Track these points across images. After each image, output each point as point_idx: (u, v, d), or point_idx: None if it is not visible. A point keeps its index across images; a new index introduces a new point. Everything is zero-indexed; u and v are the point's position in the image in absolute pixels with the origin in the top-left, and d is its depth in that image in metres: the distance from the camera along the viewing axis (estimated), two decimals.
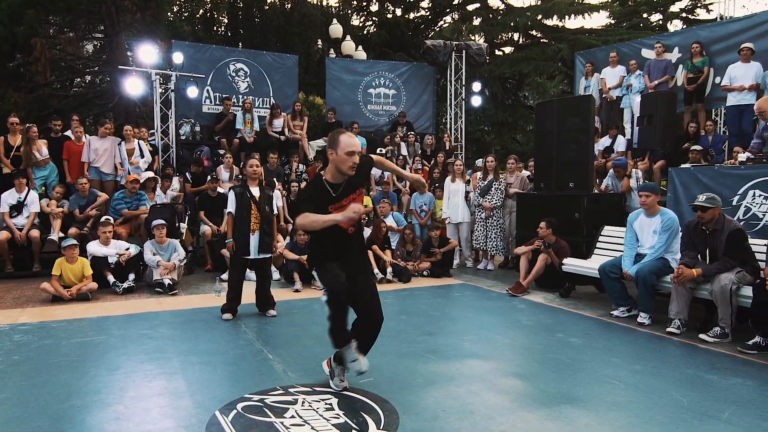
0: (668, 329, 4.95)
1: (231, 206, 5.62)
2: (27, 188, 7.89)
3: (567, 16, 18.69)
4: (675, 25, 18.72)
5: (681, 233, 5.33)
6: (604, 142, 10.13)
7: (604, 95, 11.00)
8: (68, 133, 9.14)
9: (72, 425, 3.11)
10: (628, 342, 4.80)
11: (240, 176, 9.27)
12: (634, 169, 8.30)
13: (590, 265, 6.26)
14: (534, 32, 20.11)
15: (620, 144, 9.95)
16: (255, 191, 5.65)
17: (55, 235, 7.65)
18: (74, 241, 6.71)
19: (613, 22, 20.03)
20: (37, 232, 7.72)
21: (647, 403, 3.40)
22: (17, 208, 7.77)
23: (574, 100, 8.22)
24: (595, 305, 6.18)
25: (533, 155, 9.58)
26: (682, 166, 7.22)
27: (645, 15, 19.22)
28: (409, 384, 3.74)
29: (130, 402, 3.42)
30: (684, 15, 18.74)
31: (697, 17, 18.52)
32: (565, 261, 6.51)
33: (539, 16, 18.70)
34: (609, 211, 7.39)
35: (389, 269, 7.79)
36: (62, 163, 8.79)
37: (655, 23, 19.21)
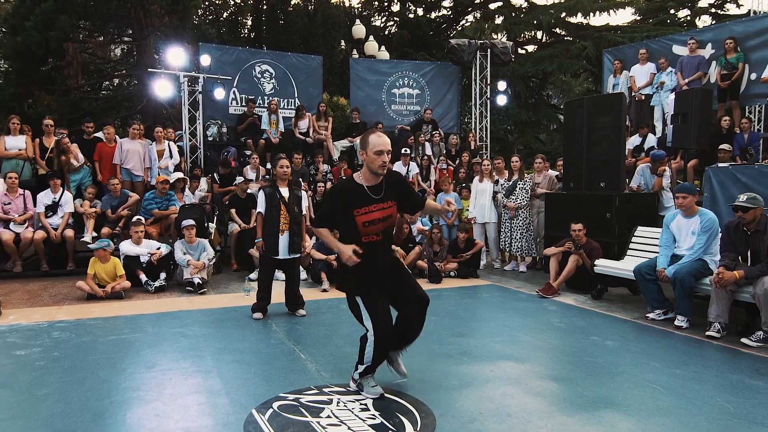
0: (708, 333, 4.83)
1: (261, 206, 5.64)
2: (61, 189, 8.05)
3: (591, 13, 18.43)
4: (704, 21, 18.32)
5: (720, 234, 5.20)
6: (633, 141, 9.96)
7: (633, 93, 10.82)
8: (99, 134, 9.31)
9: (114, 421, 3.15)
10: (666, 346, 4.69)
11: (267, 176, 9.34)
12: (666, 168, 8.14)
13: (623, 267, 6.15)
14: (558, 30, 19.87)
15: (650, 143, 9.77)
16: (284, 191, 5.67)
17: (88, 234, 7.80)
18: (108, 242, 6.82)
19: (639, 18, 19.71)
20: (71, 231, 7.87)
21: (691, 409, 3.32)
22: (52, 209, 7.93)
23: (604, 98, 8.09)
24: (629, 307, 6.07)
25: (561, 154, 9.47)
26: (719, 165, 7.05)
27: (672, 11, 18.87)
28: (444, 385, 3.71)
29: (168, 399, 3.45)
30: (713, 10, 18.34)
31: (727, 12, 18.11)
32: (597, 262, 6.41)
33: (563, 14, 18.48)
34: (642, 212, 7.25)
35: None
36: (94, 164, 8.95)
37: (682, 19, 18.85)
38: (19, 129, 8.63)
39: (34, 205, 7.91)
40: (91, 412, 3.26)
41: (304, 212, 5.94)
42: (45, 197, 7.94)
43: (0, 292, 6.28)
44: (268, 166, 10.08)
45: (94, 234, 7.80)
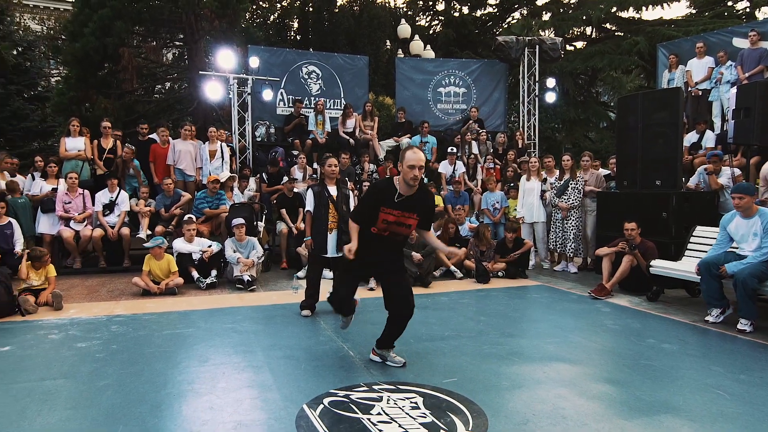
0: None
1: (309, 205, 5.69)
2: (118, 188, 8.36)
3: (644, 7, 17.82)
4: (764, 13, 17.45)
5: None
6: (690, 137, 9.58)
7: (689, 88, 10.40)
8: (153, 135, 9.62)
9: (170, 413, 3.23)
10: (729, 350, 4.48)
11: (314, 176, 9.44)
12: (723, 167, 7.79)
13: (681, 268, 5.92)
14: (608, 25, 19.32)
15: (709, 139, 9.38)
16: (332, 190, 5.70)
17: (143, 232, 8.06)
18: (162, 240, 7.03)
19: (694, 11, 18.93)
20: (127, 229, 8.17)
21: (759, 416, 3.15)
22: (109, 207, 8.24)
23: (660, 93, 7.81)
24: (687, 310, 5.83)
25: (611, 153, 9.20)
26: None
27: (730, 3, 18.04)
28: (495, 386, 3.65)
29: (221, 393, 3.52)
30: None
31: None
32: (652, 263, 6.18)
33: (614, 9, 17.92)
34: (700, 211, 6.95)
35: (453, 269, 7.88)
36: (148, 165, 9.26)
37: (741, 11, 17.99)
38: (79, 131, 9.02)
39: (93, 204, 8.23)
40: (148, 403, 3.35)
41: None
42: (103, 196, 8.26)
43: (61, 287, 6.56)
44: (315, 165, 10.19)
45: (149, 232, 8.06)
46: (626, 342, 4.74)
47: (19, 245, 7.02)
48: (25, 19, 21.61)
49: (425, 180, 10.25)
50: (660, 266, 6.12)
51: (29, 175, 8.80)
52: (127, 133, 11.93)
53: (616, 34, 18.95)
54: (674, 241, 6.67)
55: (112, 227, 8.11)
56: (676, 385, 3.67)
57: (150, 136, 9.67)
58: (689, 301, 6.28)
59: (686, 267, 5.85)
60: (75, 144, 8.87)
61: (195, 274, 7.14)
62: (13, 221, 7.29)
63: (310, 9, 19.21)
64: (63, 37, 16.88)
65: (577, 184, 8.26)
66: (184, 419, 3.15)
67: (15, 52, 16.89)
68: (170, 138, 9.60)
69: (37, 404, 3.35)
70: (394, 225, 3.82)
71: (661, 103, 7.24)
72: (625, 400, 3.42)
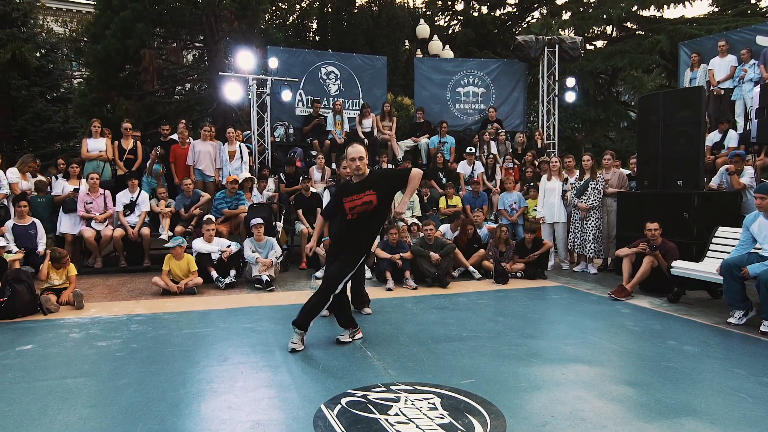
0: None
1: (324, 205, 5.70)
2: (138, 189, 8.47)
3: (665, 6, 17.57)
4: None
5: None
6: (712, 137, 9.43)
7: (712, 87, 10.23)
8: (174, 136, 9.73)
9: (189, 412, 3.26)
10: (752, 352, 4.39)
11: (331, 178, 9.48)
12: (746, 167, 7.64)
13: (703, 269, 5.82)
14: (629, 24, 19.09)
15: (731, 139, 9.22)
16: None
17: (164, 232, 8.16)
18: (182, 240, 7.11)
19: (716, 9, 18.61)
20: (147, 229, 8.27)
21: None
22: (130, 207, 8.36)
23: (682, 92, 7.70)
24: (709, 312, 5.73)
25: (632, 152, 9.08)
26: None
27: (753, 0, 17.70)
28: (513, 387, 3.62)
29: (240, 392, 3.54)
30: None
31: None
32: (674, 264, 6.08)
33: (635, 7, 17.71)
34: (723, 211, 6.83)
35: (471, 269, 7.84)
36: (169, 165, 9.37)
37: (764, 9, 17.63)
38: (100, 132, 9.16)
39: (114, 204, 8.36)
40: (167, 402, 3.39)
41: None
42: (123, 197, 8.38)
43: (82, 286, 6.66)
44: (333, 166, 10.22)
45: (169, 232, 8.15)
46: (647, 344, 4.67)
47: (42, 245, 7.15)
48: (48, 22, 22.00)
49: (444, 180, 10.28)
50: (681, 267, 6.02)
51: (52, 176, 8.96)
52: (148, 134, 12.10)
53: (637, 32, 18.72)
54: (696, 242, 6.56)
55: (133, 227, 8.22)
56: (697, 387, 3.61)
57: (172, 137, 9.79)
58: (711, 302, 6.17)
59: (708, 268, 5.75)
60: (96, 145, 9.02)
61: (214, 273, 7.21)
62: (37, 221, 7.43)
63: (329, 9, 19.29)
64: (85, 39, 17.14)
65: (597, 184, 8.17)
66: (203, 418, 3.18)
67: (38, 55, 17.20)
68: (190, 138, 9.69)
69: (58, 402, 3.40)
70: (357, 207, 4.40)
71: (683, 102, 7.13)
72: (646, 403, 3.37)
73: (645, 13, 18.06)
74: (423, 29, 16.60)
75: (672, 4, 17.48)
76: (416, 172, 4.48)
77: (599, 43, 20.17)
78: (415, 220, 8.69)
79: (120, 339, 4.81)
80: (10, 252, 6.65)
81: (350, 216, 4.45)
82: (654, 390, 3.56)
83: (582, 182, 8.28)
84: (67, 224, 8.09)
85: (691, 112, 6.96)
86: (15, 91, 16.73)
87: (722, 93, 10.13)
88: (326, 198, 5.76)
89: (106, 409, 3.31)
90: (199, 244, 7.41)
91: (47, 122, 17.34)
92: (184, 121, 9.84)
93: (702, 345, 4.59)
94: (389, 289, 6.99)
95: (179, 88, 18.78)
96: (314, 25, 20.75)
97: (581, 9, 19.25)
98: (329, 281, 4.48)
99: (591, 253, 8.18)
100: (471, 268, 7.89)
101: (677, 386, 3.62)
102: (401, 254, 7.36)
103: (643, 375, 3.88)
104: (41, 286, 6.06)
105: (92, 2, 18.38)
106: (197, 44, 17.27)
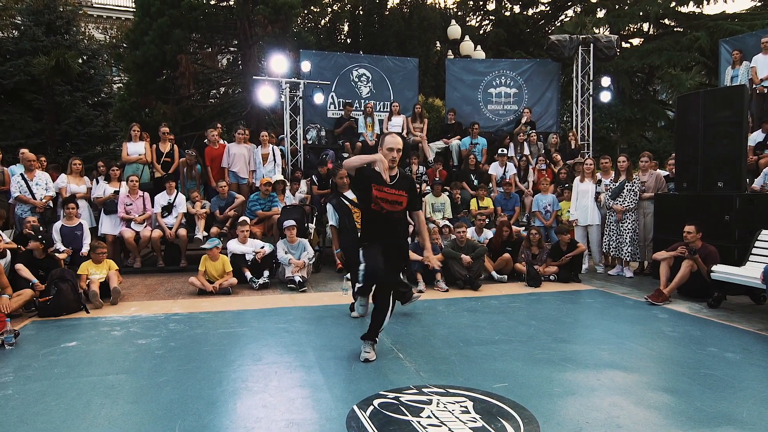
0: None
1: (332, 219, 5.72)
2: (176, 191, 8.67)
3: (705, 1, 17.10)
4: None
5: None
6: (755, 137, 9.12)
7: (754, 85, 9.90)
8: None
9: (225, 410, 3.34)
10: None
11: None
12: None
13: (745, 273, 5.65)
14: (666, 21, 18.62)
15: None
16: (349, 194, 5.72)
17: (200, 233, 8.34)
18: (218, 241, 7.25)
19: (759, 4, 18.00)
20: (184, 230, 8.46)
21: None
22: (167, 209, 8.56)
23: (723, 91, 7.48)
24: (752, 318, 5.55)
25: (670, 153, 8.86)
26: None
27: None
28: (547, 392, 3.58)
29: (274, 391, 3.60)
30: None
31: None
32: (714, 268, 5.91)
33: (672, 4, 17.29)
34: (765, 214, 6.57)
35: (494, 274, 7.77)
36: (206, 168, 9.57)
37: None
38: (139, 136, 9.42)
39: (152, 206, 8.58)
40: (204, 400, 3.47)
41: None
42: (161, 199, 8.59)
43: (122, 285, 6.85)
44: None
45: (205, 233, 8.32)
46: (685, 350, 4.56)
47: (86, 246, 7.40)
48: (89, 29, 22.68)
49: (475, 182, 10.21)
50: (722, 271, 5.85)
51: (93, 178, 9.24)
52: (183, 137, 12.38)
53: (675, 29, 18.26)
54: (737, 246, 6.36)
55: (170, 228, 8.42)
56: (738, 396, 3.51)
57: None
58: (753, 308, 5.98)
59: (750, 273, 5.58)
60: (136, 148, 9.26)
61: (248, 274, 7.33)
62: (84, 223, 7.68)
63: (360, 12, 19.38)
64: (124, 45, 17.63)
65: (633, 185, 8.00)
66: (239, 416, 3.25)
67: (80, 61, 17.75)
68: (225, 141, 9.87)
69: (101, 398, 3.52)
70: (386, 203, 4.20)
71: (724, 101, 6.92)
72: (684, 411, 3.29)
73: (683, 9, 17.60)
74: (454, 30, 16.54)
75: (712, 0, 16.99)
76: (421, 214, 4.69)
77: (635, 41, 19.75)
78: (447, 222, 8.66)
79: (159, 337, 4.94)
80: (57, 251, 6.92)
81: (377, 208, 4.21)
82: (693, 398, 3.48)
83: (617, 184, 8.12)
84: (107, 225, 8.34)
85: (733, 112, 6.75)
86: (59, 97, 17.34)
87: (765, 91, 9.79)
88: (330, 212, 5.72)
89: (146, 405, 3.42)
90: (233, 245, 7.54)
91: (88, 126, 17.89)
92: (219, 125, 10.02)
93: (744, 352, 4.46)
94: (420, 291, 6.97)
95: (214, 91, 19.13)
96: (345, 28, 20.88)
97: (617, 6, 18.87)
98: (388, 288, 4.29)
99: (627, 256, 8.01)
100: (494, 273, 7.78)
101: (718, 395, 3.53)
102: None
103: (681, 382, 3.79)
104: (84, 282, 6.28)
105: (132, 9, 18.92)
106: (231, 49, 17.56)
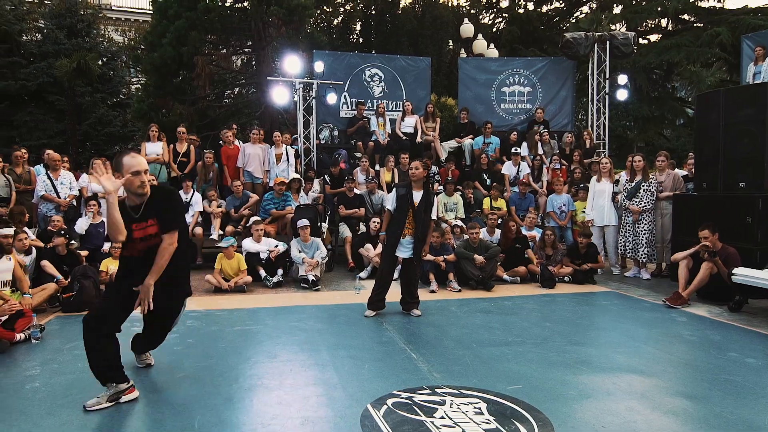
0: None
1: (390, 204, 5.73)
2: (192, 190, 8.74)
3: None
4: None
5: None
6: None
7: None
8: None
9: (242, 406, 3.37)
10: None
11: (373, 179, 9.52)
12: None
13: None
14: (686, 16, 18.34)
15: None
16: (417, 196, 5.62)
17: (215, 232, 8.40)
18: (233, 240, 7.31)
19: None
20: (200, 229, 8.52)
21: None
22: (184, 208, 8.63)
23: (745, 89, 7.34)
24: None
25: (689, 152, 8.72)
26: None
27: None
28: (562, 395, 3.55)
29: (289, 389, 3.62)
30: None
31: None
32: (735, 271, 5.79)
33: None
34: None
35: (505, 276, 7.67)
36: (222, 168, 9.64)
37: None
38: (157, 136, 9.52)
39: None
40: (222, 396, 3.50)
41: (432, 217, 5.84)
42: None
43: None
44: (377, 167, 10.27)
45: (221, 232, 8.38)
46: (705, 355, 4.48)
47: (107, 244, 7.49)
48: (109, 31, 22.99)
49: (488, 181, 10.13)
50: (743, 274, 5.72)
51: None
52: (200, 137, 12.47)
53: (695, 25, 17.94)
54: (760, 248, 6.23)
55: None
56: (760, 403, 3.44)
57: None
58: None
59: None
60: (154, 149, 9.37)
61: (262, 272, 7.37)
62: (105, 221, 7.79)
63: (373, 11, 19.39)
64: (142, 47, 17.86)
65: (649, 185, 7.89)
66: (256, 413, 3.28)
67: (100, 63, 18.02)
68: (240, 141, 9.93)
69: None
70: (142, 241, 3.44)
71: (746, 99, 6.79)
72: (703, 417, 3.24)
73: (704, 4, 17.31)
74: (467, 28, 16.45)
75: None
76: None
77: (653, 37, 19.47)
78: (459, 222, 8.62)
79: (177, 334, 4.94)
80: (75, 247, 7.05)
81: (136, 252, 3.51)
82: (713, 404, 3.42)
83: (633, 184, 8.01)
84: None
85: (756, 110, 6.61)
86: (80, 98, 17.65)
87: None
88: (392, 198, 5.71)
89: (166, 400, 3.47)
90: (248, 244, 7.59)
91: (108, 126, 18.19)
92: (235, 125, 10.09)
93: (766, 357, 4.37)
94: (433, 291, 6.96)
95: (228, 92, 19.28)
96: (358, 27, 20.90)
97: (633, 2, 18.61)
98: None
99: (644, 258, 7.90)
100: (505, 276, 7.71)
101: (739, 401, 3.47)
102: (445, 256, 7.32)
103: (701, 388, 3.73)
104: (104, 278, 6.40)
105: (149, 12, 19.13)
106: (246, 49, 17.68)
